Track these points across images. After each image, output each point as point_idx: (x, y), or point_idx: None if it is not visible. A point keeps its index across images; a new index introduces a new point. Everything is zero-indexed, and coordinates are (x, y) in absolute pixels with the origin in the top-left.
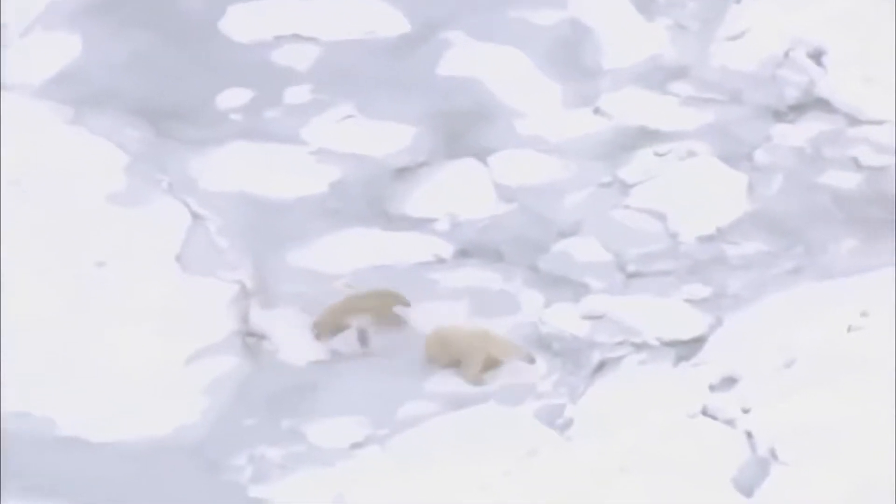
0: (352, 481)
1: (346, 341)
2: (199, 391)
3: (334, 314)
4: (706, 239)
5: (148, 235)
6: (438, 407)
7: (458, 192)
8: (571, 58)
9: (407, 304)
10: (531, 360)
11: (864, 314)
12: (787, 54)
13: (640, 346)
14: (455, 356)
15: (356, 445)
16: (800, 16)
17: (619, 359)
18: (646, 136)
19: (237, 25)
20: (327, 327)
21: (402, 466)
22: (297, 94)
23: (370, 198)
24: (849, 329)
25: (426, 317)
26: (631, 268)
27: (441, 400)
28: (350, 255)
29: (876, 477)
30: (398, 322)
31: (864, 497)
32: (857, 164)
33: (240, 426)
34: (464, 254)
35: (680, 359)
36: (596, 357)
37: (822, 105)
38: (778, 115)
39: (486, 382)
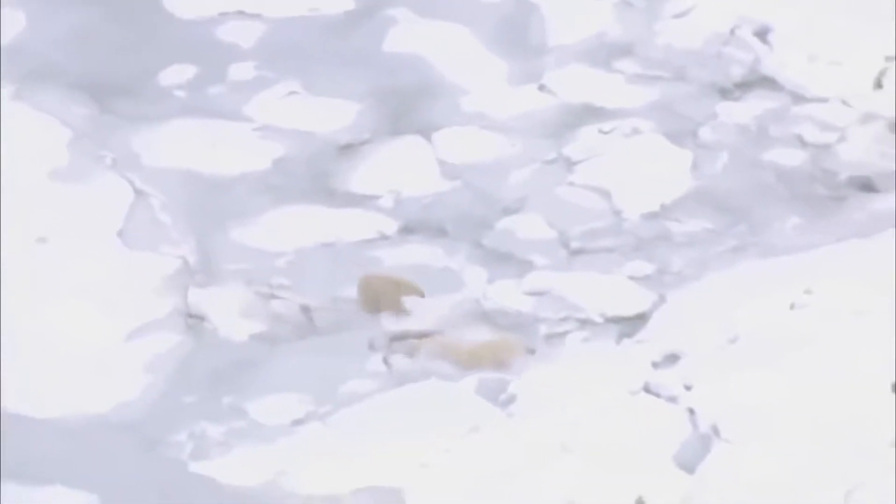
0: (293, 458)
1: (289, 309)
2: (140, 368)
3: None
4: (650, 216)
5: (90, 211)
6: (381, 384)
7: (403, 169)
8: (517, 35)
9: (421, 294)
10: (532, 352)
11: (807, 292)
12: (732, 32)
13: (583, 323)
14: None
15: (297, 422)
16: None
17: (563, 335)
18: (591, 113)
19: (181, 2)
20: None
21: (343, 443)
22: (241, 71)
23: (314, 174)
24: (792, 307)
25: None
26: (575, 244)
27: (384, 378)
28: (293, 232)
29: (817, 453)
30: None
31: (807, 473)
32: (801, 142)
33: (180, 403)
34: (407, 230)
35: (623, 335)
36: (541, 332)
37: (768, 83)
38: (723, 93)
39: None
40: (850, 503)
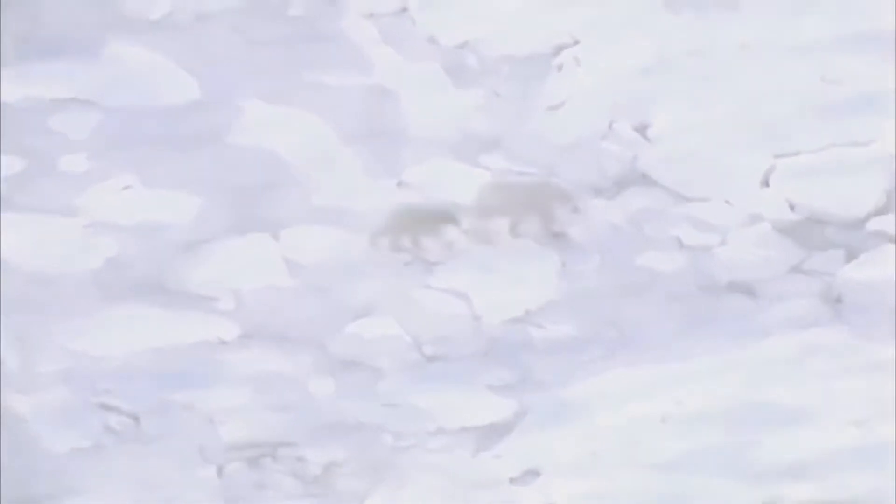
0: None
1: (116, 416)
2: None
3: None
4: (512, 321)
5: None
6: (211, 497)
7: (246, 269)
8: (375, 126)
9: None
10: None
11: (678, 403)
12: (610, 126)
13: (435, 434)
14: None
15: None
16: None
17: (413, 447)
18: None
19: (9, 88)
20: None
21: None
22: (73, 163)
23: (148, 274)
24: (663, 419)
25: None
26: (429, 350)
27: (215, 490)
28: (125, 335)
29: None
30: None
31: None
32: (679, 244)
33: None
34: (248, 335)
35: (479, 449)
36: (388, 444)
37: (646, 180)
38: (597, 191)
39: None
40: None
